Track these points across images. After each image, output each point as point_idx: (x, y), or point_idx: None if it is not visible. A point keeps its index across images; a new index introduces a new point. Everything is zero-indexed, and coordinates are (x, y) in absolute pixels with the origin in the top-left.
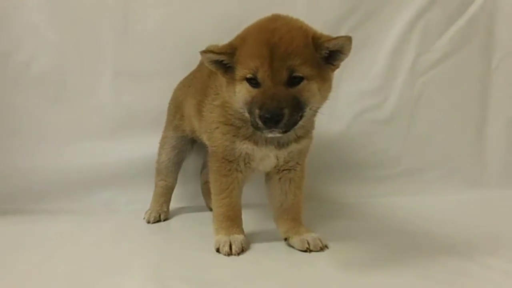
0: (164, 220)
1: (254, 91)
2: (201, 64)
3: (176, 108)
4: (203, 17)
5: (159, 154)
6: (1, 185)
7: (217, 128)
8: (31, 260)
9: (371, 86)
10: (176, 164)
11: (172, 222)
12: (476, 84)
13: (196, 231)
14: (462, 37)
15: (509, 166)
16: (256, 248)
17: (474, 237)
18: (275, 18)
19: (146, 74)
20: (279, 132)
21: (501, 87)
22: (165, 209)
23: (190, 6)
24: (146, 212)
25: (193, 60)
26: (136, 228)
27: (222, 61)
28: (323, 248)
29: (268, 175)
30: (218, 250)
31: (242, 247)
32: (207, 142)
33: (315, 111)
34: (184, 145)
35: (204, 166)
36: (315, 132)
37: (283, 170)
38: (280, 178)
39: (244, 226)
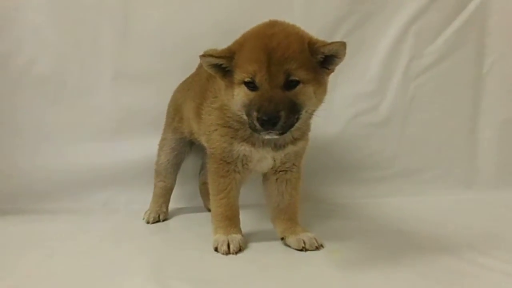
0: (163, 221)
1: (252, 94)
2: (200, 67)
3: (175, 111)
4: (203, 18)
5: (158, 155)
6: (2, 185)
7: (216, 130)
8: (31, 260)
9: (366, 89)
10: (175, 166)
11: (171, 222)
12: (468, 87)
13: (194, 231)
14: (455, 41)
15: (501, 167)
16: (254, 248)
17: (468, 237)
18: (272, 24)
19: (146, 75)
20: (276, 134)
21: (493, 90)
22: (164, 210)
23: (190, 7)
24: (145, 213)
25: (193, 61)
26: (135, 228)
27: (221, 65)
28: (318, 247)
29: (265, 176)
30: (216, 249)
31: (240, 246)
32: (205, 144)
33: (311, 114)
34: (182, 147)
35: (202, 168)
36: (311, 134)
37: (280, 171)
38: (277, 179)
39: (241, 226)
